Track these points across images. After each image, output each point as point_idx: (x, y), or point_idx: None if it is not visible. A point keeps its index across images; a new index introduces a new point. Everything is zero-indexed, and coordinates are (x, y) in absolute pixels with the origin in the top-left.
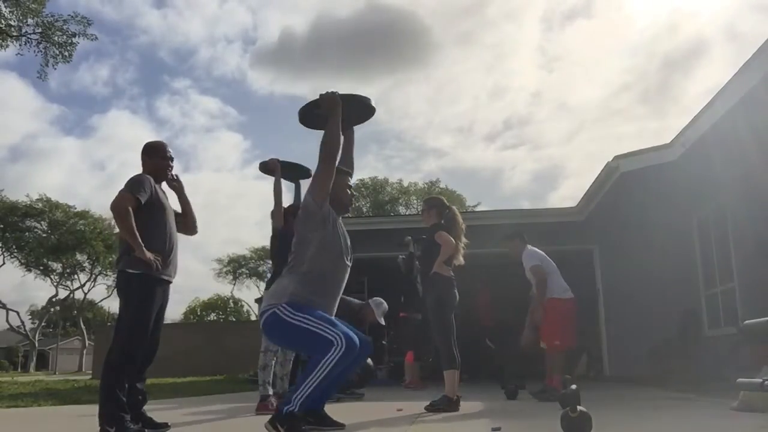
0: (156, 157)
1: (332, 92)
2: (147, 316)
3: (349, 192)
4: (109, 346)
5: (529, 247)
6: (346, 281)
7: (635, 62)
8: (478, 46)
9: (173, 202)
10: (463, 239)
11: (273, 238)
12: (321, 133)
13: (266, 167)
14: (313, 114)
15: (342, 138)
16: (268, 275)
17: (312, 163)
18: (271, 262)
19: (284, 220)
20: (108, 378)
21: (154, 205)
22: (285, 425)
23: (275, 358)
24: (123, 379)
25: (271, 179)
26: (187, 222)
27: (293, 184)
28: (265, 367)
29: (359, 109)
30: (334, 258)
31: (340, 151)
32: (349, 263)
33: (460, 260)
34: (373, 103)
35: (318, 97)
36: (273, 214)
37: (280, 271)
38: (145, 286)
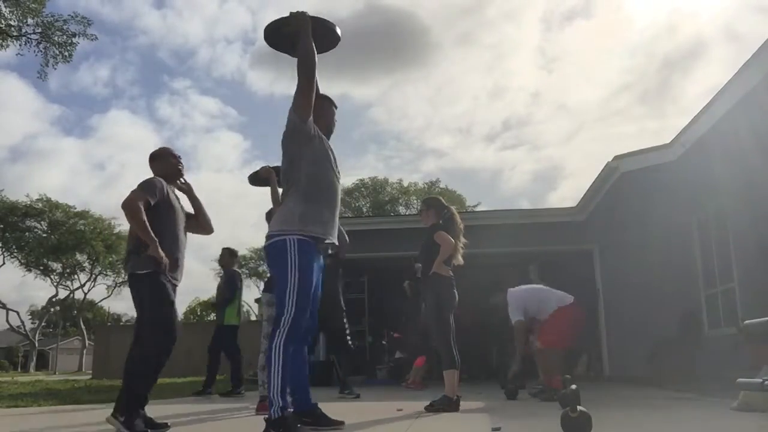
0: (164, 160)
1: (301, 11)
2: (166, 312)
3: (333, 120)
4: (129, 352)
5: (510, 291)
6: (340, 196)
7: (635, 62)
8: (477, 46)
9: (185, 205)
10: (462, 239)
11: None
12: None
13: (257, 177)
14: (280, 34)
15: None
16: (268, 275)
17: None
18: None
19: None
20: (131, 380)
21: (165, 207)
22: (279, 429)
23: None
24: (149, 383)
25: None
26: (200, 222)
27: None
28: (264, 368)
29: (324, 34)
30: (326, 170)
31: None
32: (339, 181)
33: (460, 260)
34: (338, 30)
35: (288, 14)
36: (267, 217)
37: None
38: (156, 283)
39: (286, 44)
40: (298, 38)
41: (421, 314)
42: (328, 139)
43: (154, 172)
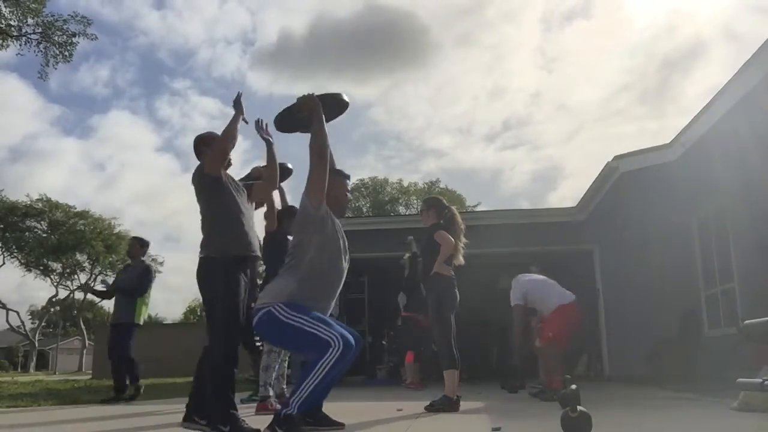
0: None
1: (309, 94)
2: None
3: (347, 194)
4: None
5: (517, 277)
6: (343, 283)
7: (634, 63)
8: (477, 46)
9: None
10: (463, 239)
11: (265, 240)
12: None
13: (250, 178)
14: (290, 119)
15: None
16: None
17: (303, 166)
18: (263, 263)
19: (277, 221)
20: (214, 376)
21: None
22: (283, 428)
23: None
24: (230, 377)
25: None
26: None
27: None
28: (267, 368)
29: (333, 105)
30: (332, 260)
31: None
32: (346, 264)
33: (460, 260)
34: (346, 97)
35: (296, 100)
36: (266, 215)
37: (273, 273)
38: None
39: (298, 126)
40: (310, 120)
41: (423, 295)
42: (344, 213)
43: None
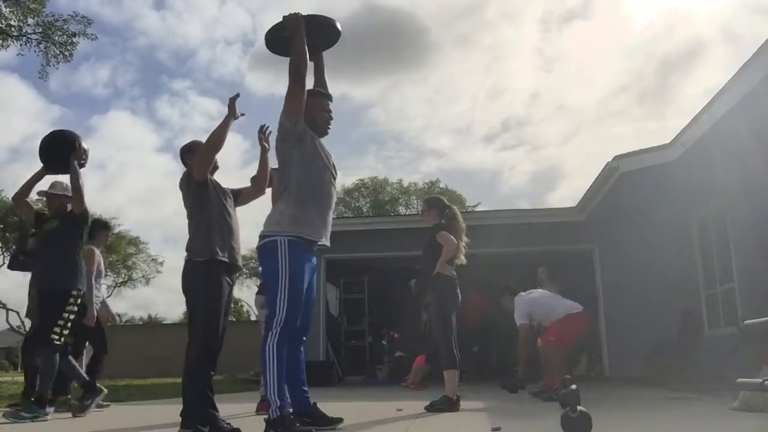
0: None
1: (295, 13)
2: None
3: (327, 115)
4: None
5: (520, 295)
6: (335, 196)
7: (633, 63)
8: (476, 47)
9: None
10: (464, 239)
11: None
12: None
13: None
14: (280, 38)
15: (311, 65)
16: None
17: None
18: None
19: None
20: (192, 377)
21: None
22: (279, 428)
23: None
24: (208, 377)
25: None
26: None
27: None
28: None
29: (324, 30)
30: (318, 173)
31: (309, 71)
32: (334, 181)
33: (462, 260)
34: (338, 25)
35: (282, 18)
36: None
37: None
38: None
39: (287, 48)
40: (292, 41)
41: (422, 314)
42: (325, 133)
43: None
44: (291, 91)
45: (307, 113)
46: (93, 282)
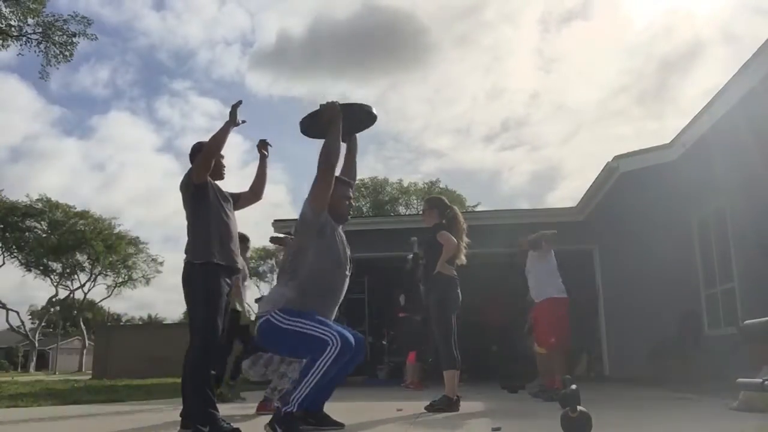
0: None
1: (333, 102)
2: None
3: (348, 203)
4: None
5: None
6: (345, 290)
7: (633, 64)
8: (475, 47)
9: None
10: (465, 239)
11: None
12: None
13: (278, 240)
14: (314, 124)
15: (343, 147)
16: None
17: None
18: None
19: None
20: (192, 377)
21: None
22: (283, 426)
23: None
24: (208, 377)
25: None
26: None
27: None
28: (283, 376)
29: (360, 116)
30: (332, 267)
31: (340, 161)
32: (348, 273)
33: (462, 260)
34: (375, 111)
35: (319, 107)
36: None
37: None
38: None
39: (323, 133)
40: (329, 128)
41: (420, 296)
42: (345, 220)
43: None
44: (320, 182)
45: (330, 200)
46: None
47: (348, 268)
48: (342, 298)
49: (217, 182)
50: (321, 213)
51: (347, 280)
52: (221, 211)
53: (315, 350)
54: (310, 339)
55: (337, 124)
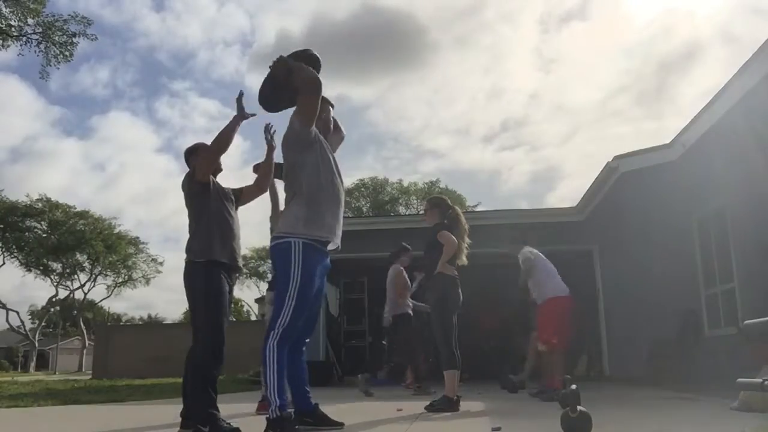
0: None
1: (278, 57)
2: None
3: (327, 116)
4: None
5: (526, 248)
6: (343, 198)
7: (632, 64)
8: (475, 48)
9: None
10: (467, 239)
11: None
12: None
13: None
14: (273, 94)
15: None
16: (269, 276)
17: None
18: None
19: None
20: (196, 377)
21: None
22: (277, 427)
23: None
24: (212, 377)
25: None
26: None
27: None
28: None
29: (305, 61)
30: (328, 175)
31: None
32: (342, 184)
33: (463, 260)
34: (315, 52)
35: (269, 69)
36: (271, 218)
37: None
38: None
39: (284, 104)
40: (289, 76)
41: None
42: (326, 137)
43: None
44: (306, 96)
45: (319, 114)
46: None
47: (341, 178)
48: (343, 203)
49: (218, 178)
50: (310, 127)
51: (343, 188)
52: (223, 210)
53: (276, 306)
54: (282, 297)
55: (296, 66)
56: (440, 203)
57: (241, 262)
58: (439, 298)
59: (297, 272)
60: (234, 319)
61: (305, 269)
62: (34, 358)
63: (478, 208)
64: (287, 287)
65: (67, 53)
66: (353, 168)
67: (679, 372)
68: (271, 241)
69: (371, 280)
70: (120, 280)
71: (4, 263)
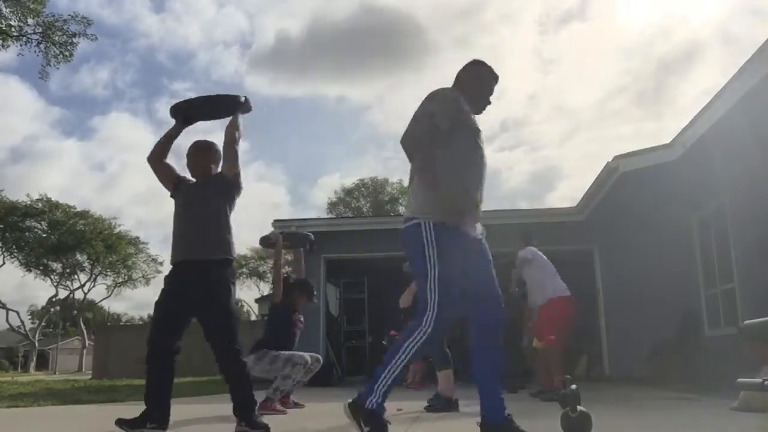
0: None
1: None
2: None
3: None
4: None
5: (531, 248)
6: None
7: (631, 65)
8: (474, 48)
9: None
10: None
11: (271, 309)
12: None
13: (267, 241)
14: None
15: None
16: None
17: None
18: (266, 330)
19: (287, 293)
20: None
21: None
22: (370, 424)
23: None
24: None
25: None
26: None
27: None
28: (286, 378)
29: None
30: (473, 148)
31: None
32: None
33: None
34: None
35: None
36: (273, 287)
37: (273, 339)
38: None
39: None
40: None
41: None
42: (483, 109)
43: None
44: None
45: (474, 86)
46: None
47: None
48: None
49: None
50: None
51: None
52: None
53: (419, 301)
54: (422, 293)
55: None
56: None
57: (198, 255)
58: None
59: (432, 258)
60: None
61: (441, 251)
62: (34, 358)
63: None
64: (424, 279)
65: (67, 53)
66: (353, 168)
67: (680, 372)
68: (404, 222)
69: (371, 280)
70: (120, 280)
71: (4, 263)
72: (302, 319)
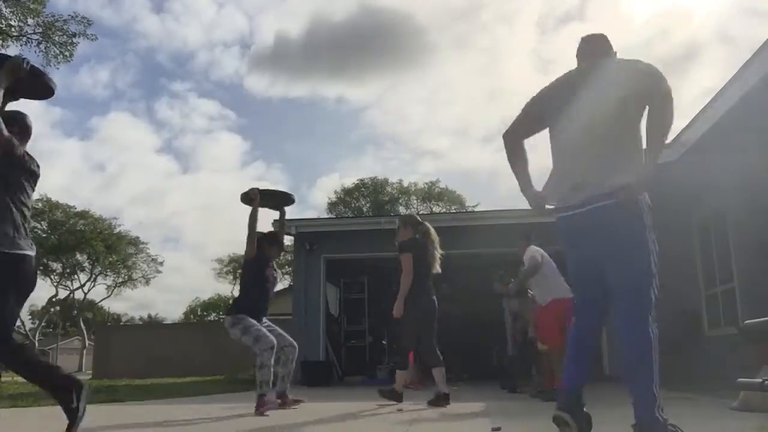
0: None
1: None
2: None
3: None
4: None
5: (533, 246)
6: None
7: None
8: (473, 48)
9: None
10: (439, 250)
11: (244, 266)
12: None
13: (247, 197)
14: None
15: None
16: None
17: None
18: (240, 288)
19: (258, 247)
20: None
21: None
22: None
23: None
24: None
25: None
26: None
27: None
28: (261, 367)
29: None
30: None
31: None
32: None
33: (437, 269)
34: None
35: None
36: (247, 242)
37: (248, 298)
38: None
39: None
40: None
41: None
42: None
43: None
44: None
45: None
46: None
47: None
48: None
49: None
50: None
51: None
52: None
53: (639, 288)
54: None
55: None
56: (411, 221)
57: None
58: (410, 307)
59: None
60: None
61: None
62: None
63: (478, 208)
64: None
65: (67, 53)
66: (353, 168)
67: (679, 372)
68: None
69: (371, 279)
70: (120, 280)
71: None
72: (276, 272)
